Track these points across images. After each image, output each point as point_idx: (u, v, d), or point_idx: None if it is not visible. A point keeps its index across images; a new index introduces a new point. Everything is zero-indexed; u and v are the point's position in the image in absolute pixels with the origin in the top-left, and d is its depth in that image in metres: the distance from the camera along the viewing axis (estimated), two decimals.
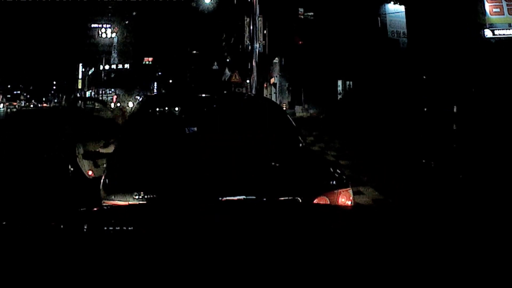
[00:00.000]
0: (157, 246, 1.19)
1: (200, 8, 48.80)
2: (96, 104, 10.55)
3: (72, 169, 6.15)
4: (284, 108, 15.10)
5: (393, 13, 25.07)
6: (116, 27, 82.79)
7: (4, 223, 1.37)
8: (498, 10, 18.08)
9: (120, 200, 2.78)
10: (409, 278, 1.03)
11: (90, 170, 5.28)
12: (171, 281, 0.99)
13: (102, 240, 1.27)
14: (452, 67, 16.78)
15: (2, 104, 54.01)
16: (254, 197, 2.75)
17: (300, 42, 29.32)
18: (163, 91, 62.05)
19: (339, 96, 29.68)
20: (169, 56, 70.49)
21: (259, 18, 16.85)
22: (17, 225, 1.40)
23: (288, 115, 4.35)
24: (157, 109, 4.36)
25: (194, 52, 61.80)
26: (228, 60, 51.58)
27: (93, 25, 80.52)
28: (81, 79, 63.49)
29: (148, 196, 2.78)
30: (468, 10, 17.98)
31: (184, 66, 67.59)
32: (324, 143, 13.37)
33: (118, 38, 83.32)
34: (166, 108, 4.51)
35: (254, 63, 16.01)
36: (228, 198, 2.73)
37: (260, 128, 3.86)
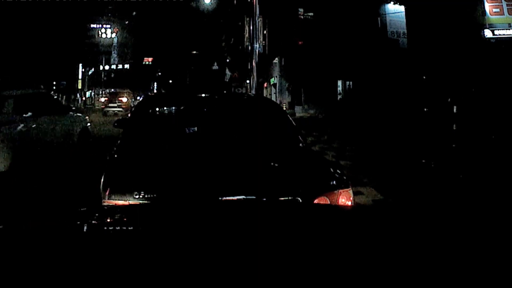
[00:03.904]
0: (158, 246, 1.19)
1: (200, 8, 48.81)
2: None
3: None
4: (284, 108, 15.12)
5: (393, 13, 25.06)
6: (116, 27, 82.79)
7: (2, 226, 1.37)
8: (498, 10, 18.07)
9: (120, 200, 2.77)
10: (409, 277, 1.02)
11: None
12: (171, 281, 0.99)
13: (102, 240, 1.27)
14: (452, 67, 16.79)
15: None
16: (254, 197, 2.75)
17: (300, 42, 29.33)
18: (163, 91, 62.11)
19: (339, 96, 29.68)
20: (169, 56, 70.49)
21: (259, 19, 16.87)
22: (17, 226, 1.40)
23: (288, 115, 4.35)
24: (157, 109, 4.36)
25: (194, 52, 61.81)
26: (228, 60, 51.63)
27: (93, 25, 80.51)
28: (81, 79, 63.47)
29: (148, 196, 2.78)
30: (468, 10, 17.98)
31: (184, 66, 67.59)
32: (324, 143, 13.37)
33: (118, 38, 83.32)
34: (166, 108, 4.51)
35: (254, 63, 16.00)
36: (228, 198, 2.73)
37: (260, 128, 3.86)
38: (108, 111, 29.26)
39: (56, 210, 4.80)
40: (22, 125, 7.98)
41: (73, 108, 14.49)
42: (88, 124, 11.02)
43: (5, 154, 7.35)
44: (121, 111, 27.97)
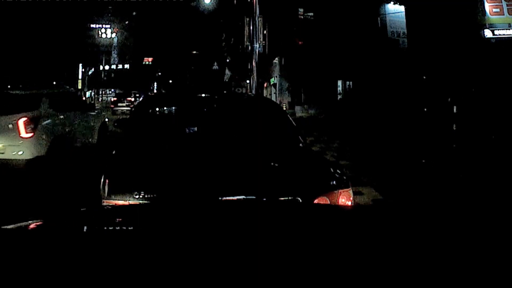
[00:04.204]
0: (158, 246, 1.19)
1: (200, 8, 48.80)
2: None
3: None
4: (284, 108, 15.11)
5: (393, 13, 25.07)
6: (116, 27, 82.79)
7: (3, 226, 1.37)
8: (498, 10, 18.07)
9: (120, 200, 2.77)
10: (409, 277, 1.02)
11: None
12: (171, 281, 0.99)
13: (102, 240, 1.27)
14: (452, 67, 16.79)
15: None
16: (254, 197, 2.74)
17: (300, 42, 29.33)
18: (163, 91, 62.12)
19: (339, 96, 29.69)
20: (169, 56, 70.49)
21: (259, 18, 16.83)
22: (17, 225, 1.40)
23: (288, 115, 4.35)
24: (157, 109, 4.35)
25: (194, 52, 61.81)
26: (228, 60, 51.63)
27: (93, 25, 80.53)
28: (81, 79, 63.41)
29: (148, 196, 2.78)
30: (468, 10, 17.97)
31: (184, 66, 67.60)
32: (324, 143, 13.37)
33: (118, 38, 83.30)
34: (166, 108, 4.50)
35: (254, 63, 15.99)
36: (228, 198, 2.72)
37: (260, 128, 3.85)
38: (117, 110, 31.55)
39: (61, 206, 5.09)
40: (56, 118, 9.59)
41: (97, 106, 17.20)
42: (106, 119, 12.78)
43: (43, 142, 8.92)
44: (129, 110, 30.77)
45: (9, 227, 1.36)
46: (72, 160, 9.39)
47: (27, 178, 7.82)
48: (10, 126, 8.52)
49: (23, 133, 8.54)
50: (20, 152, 8.49)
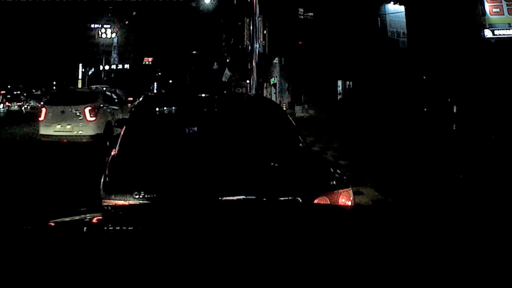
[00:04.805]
0: (158, 246, 1.19)
1: (200, 8, 48.82)
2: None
3: None
4: (284, 108, 15.05)
5: (393, 13, 25.08)
6: (116, 27, 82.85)
7: (3, 226, 1.37)
8: (498, 10, 18.08)
9: (120, 200, 2.77)
10: (409, 278, 1.02)
11: None
12: (171, 281, 0.99)
13: (102, 240, 1.27)
14: (452, 67, 16.79)
15: None
16: (254, 197, 2.74)
17: (300, 42, 29.32)
18: (163, 91, 62.12)
19: (339, 96, 29.69)
20: (169, 56, 70.53)
21: (259, 19, 16.83)
22: (17, 225, 1.40)
23: (288, 115, 4.34)
24: (157, 109, 4.35)
25: (194, 52, 61.84)
26: (228, 60, 51.63)
27: (93, 25, 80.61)
28: (81, 79, 63.39)
29: (148, 196, 2.78)
30: (468, 10, 17.98)
31: (184, 66, 67.64)
32: (324, 143, 13.36)
33: (118, 38, 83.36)
34: (166, 108, 4.50)
35: (254, 63, 16.00)
36: (228, 198, 2.72)
37: (260, 128, 3.85)
38: (132, 108, 37.39)
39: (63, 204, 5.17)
40: (106, 109, 13.65)
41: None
42: None
43: (101, 124, 12.98)
44: None
45: (8, 227, 1.36)
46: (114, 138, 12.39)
47: (93, 147, 11.37)
48: (78, 113, 12.63)
49: (89, 117, 12.65)
50: (81, 132, 12.63)
